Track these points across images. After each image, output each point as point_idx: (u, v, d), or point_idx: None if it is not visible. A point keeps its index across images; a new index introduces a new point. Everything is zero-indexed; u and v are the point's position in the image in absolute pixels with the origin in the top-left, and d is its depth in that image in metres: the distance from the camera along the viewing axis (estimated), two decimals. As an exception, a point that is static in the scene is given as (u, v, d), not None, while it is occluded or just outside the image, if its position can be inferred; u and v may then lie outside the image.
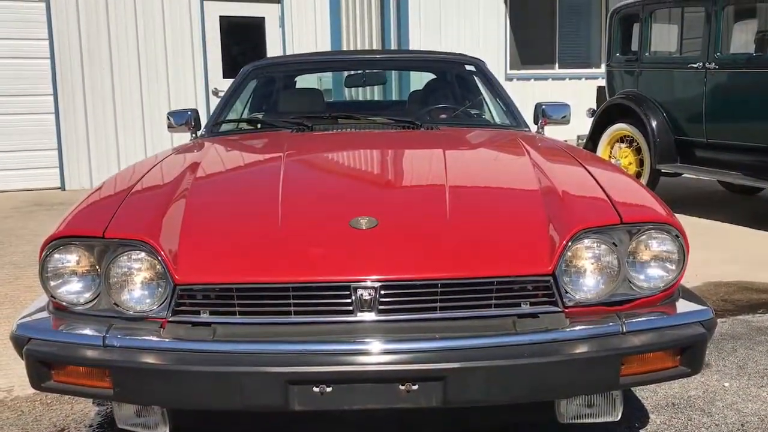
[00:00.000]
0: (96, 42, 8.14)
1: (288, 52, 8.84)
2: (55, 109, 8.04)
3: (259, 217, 2.03)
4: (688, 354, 1.87)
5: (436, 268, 1.82)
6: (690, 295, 2.06)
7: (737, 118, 5.74)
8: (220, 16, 8.73)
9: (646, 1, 6.56)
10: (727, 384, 2.77)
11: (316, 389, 1.71)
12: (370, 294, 1.79)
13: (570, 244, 1.87)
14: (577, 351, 1.76)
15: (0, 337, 3.26)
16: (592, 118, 7.06)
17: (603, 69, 7.53)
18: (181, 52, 8.51)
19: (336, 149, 2.90)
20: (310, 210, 2.08)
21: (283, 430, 2.04)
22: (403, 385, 1.71)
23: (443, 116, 3.54)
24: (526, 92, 10.03)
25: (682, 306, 1.98)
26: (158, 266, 1.86)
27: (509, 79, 10.26)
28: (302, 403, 1.72)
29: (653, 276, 1.94)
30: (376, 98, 8.83)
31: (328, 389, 1.71)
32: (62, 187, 8.13)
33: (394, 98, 8.56)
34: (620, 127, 6.69)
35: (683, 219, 4.42)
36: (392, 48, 9.45)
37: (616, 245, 1.90)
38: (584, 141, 7.11)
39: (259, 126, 3.54)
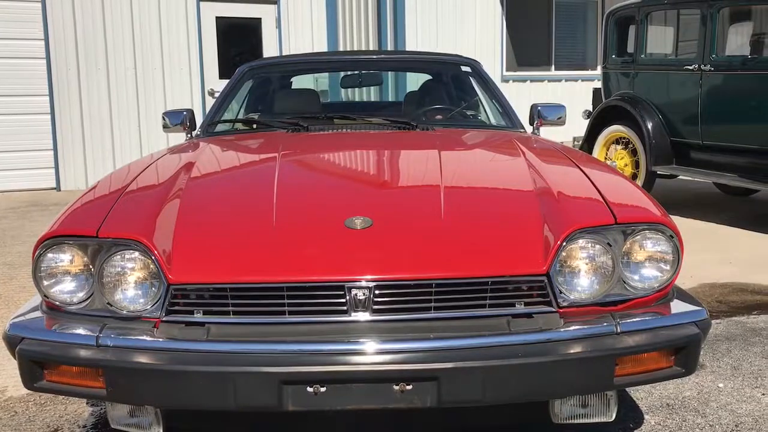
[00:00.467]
0: (92, 42, 8.12)
1: (284, 53, 8.83)
2: (51, 110, 8.02)
3: (254, 217, 2.03)
4: (682, 354, 1.87)
5: (430, 268, 1.82)
6: (684, 296, 2.06)
7: (732, 120, 5.76)
8: (217, 17, 8.72)
9: (642, 3, 6.57)
10: (721, 385, 2.77)
11: (310, 389, 1.71)
12: (364, 294, 1.79)
13: (564, 244, 1.87)
14: (572, 351, 1.76)
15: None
16: (588, 120, 7.07)
17: (599, 71, 7.54)
18: (177, 53, 8.50)
19: (331, 150, 2.90)
20: (304, 210, 2.08)
21: (278, 431, 2.03)
22: (397, 385, 1.71)
23: (439, 117, 3.54)
24: (522, 94, 10.05)
25: (677, 306, 1.98)
26: (152, 266, 1.85)
27: (505, 80, 10.28)
28: (296, 403, 1.72)
29: (648, 276, 1.94)
30: (372, 99, 8.83)
31: (323, 389, 1.71)
32: (57, 188, 8.11)
33: (390, 99, 8.56)
34: (616, 129, 6.70)
35: (678, 221, 4.43)
36: (388, 49, 9.45)
37: (610, 245, 1.90)
38: (580, 143, 7.12)
39: (254, 126, 3.53)
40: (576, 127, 7.36)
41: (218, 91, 4.80)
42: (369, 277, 1.79)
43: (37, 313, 1.97)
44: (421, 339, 1.75)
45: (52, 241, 1.91)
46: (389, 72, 7.69)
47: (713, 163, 5.94)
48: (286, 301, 1.80)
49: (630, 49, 6.84)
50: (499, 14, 10.44)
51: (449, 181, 2.25)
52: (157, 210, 2.03)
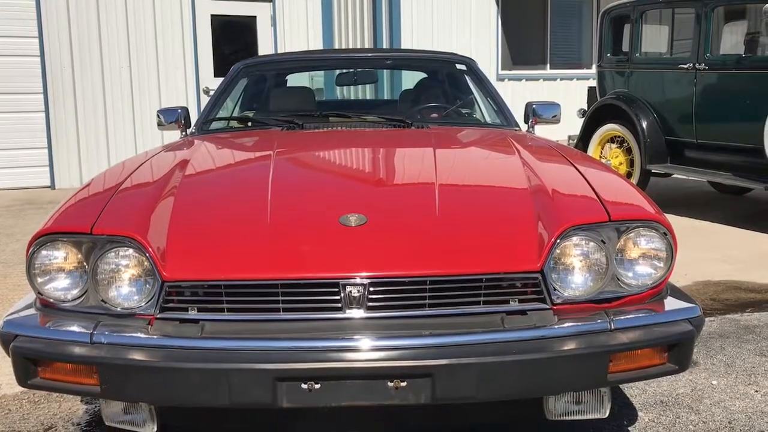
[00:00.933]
0: (86, 40, 8.10)
1: (279, 51, 8.82)
2: (45, 108, 7.99)
3: (248, 214, 2.03)
4: (676, 351, 1.88)
5: (425, 265, 1.82)
6: (678, 293, 2.07)
7: (727, 119, 5.78)
8: (212, 15, 8.70)
9: (637, 2, 6.58)
10: (715, 382, 2.78)
11: (304, 386, 1.71)
12: (359, 291, 1.79)
13: (558, 241, 1.87)
14: (566, 348, 1.77)
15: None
16: (583, 119, 7.09)
17: (594, 69, 7.55)
18: (172, 51, 8.48)
19: (326, 147, 2.90)
20: (299, 207, 2.08)
21: (272, 427, 2.03)
22: (391, 381, 1.71)
23: (434, 115, 3.54)
24: (518, 92, 10.07)
25: (670, 303, 1.99)
26: (146, 263, 1.85)
27: (501, 79, 10.28)
28: (291, 399, 1.72)
29: (641, 273, 1.95)
30: (367, 97, 8.82)
31: (317, 386, 1.71)
32: (52, 186, 8.09)
33: (385, 97, 8.55)
34: (611, 128, 6.72)
35: (673, 219, 4.44)
36: (384, 47, 9.45)
37: (604, 243, 1.91)
38: (575, 141, 7.13)
39: (249, 124, 3.53)
40: (571, 125, 7.37)
41: (213, 89, 4.80)
42: (363, 274, 1.79)
43: (31, 311, 1.96)
44: (415, 336, 1.75)
45: (46, 238, 1.90)
46: (384, 70, 7.69)
47: (707, 162, 5.96)
48: (280, 298, 1.80)
49: (625, 47, 6.85)
50: (495, 13, 10.45)
51: (444, 179, 2.25)
52: (151, 207, 2.03)
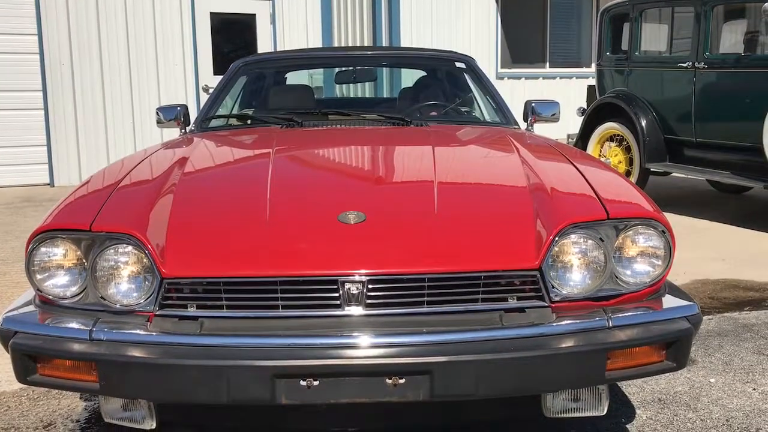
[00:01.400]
0: (85, 38, 8.09)
1: (279, 49, 8.82)
2: (44, 105, 7.99)
3: (247, 212, 2.03)
4: (673, 349, 1.88)
5: (423, 263, 1.82)
6: (676, 291, 2.07)
7: (726, 118, 5.78)
8: (211, 13, 8.70)
9: (636, 1, 6.59)
10: (712, 380, 2.79)
11: (303, 383, 1.71)
12: (357, 288, 1.79)
13: (557, 239, 1.88)
14: (564, 345, 1.77)
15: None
16: (582, 117, 7.09)
17: (593, 68, 7.56)
18: (171, 48, 8.47)
19: (325, 145, 2.90)
20: (298, 205, 2.08)
21: (270, 424, 2.04)
22: (390, 378, 1.71)
23: (433, 113, 3.55)
24: (517, 91, 10.07)
25: (668, 301, 1.99)
26: (145, 260, 1.85)
27: (500, 77, 10.29)
28: (289, 396, 1.72)
29: (639, 271, 1.95)
30: (366, 95, 8.83)
31: (315, 383, 1.71)
32: (51, 183, 8.09)
33: (384, 95, 8.56)
34: (610, 126, 6.72)
35: (672, 218, 4.45)
36: (383, 45, 9.45)
37: (602, 240, 1.91)
38: (574, 140, 7.14)
39: (248, 122, 3.53)
40: (570, 124, 7.39)
41: (212, 87, 4.80)
42: (362, 271, 1.79)
43: (31, 307, 1.96)
44: (414, 333, 1.76)
45: (45, 234, 1.91)
46: (384, 68, 7.69)
47: (706, 161, 5.96)
48: (279, 295, 1.80)
49: (624, 46, 6.86)
50: (494, 11, 10.45)
51: (443, 177, 2.26)
52: (150, 205, 2.03)
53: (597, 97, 7.08)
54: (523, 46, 10.79)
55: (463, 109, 3.75)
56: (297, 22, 9.15)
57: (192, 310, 1.82)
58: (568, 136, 7.51)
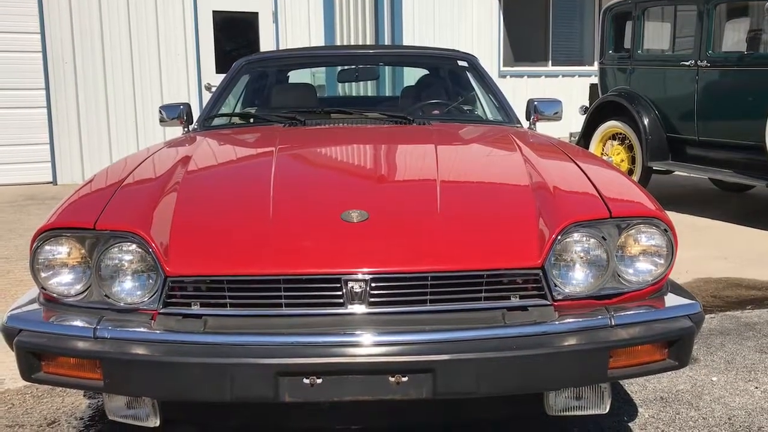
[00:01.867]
0: (88, 36, 8.10)
1: (281, 48, 8.82)
2: (47, 104, 8.00)
3: (250, 210, 2.03)
4: (676, 347, 1.89)
5: (426, 261, 1.83)
6: (678, 290, 2.08)
7: (728, 116, 5.78)
8: (213, 11, 8.70)
9: (639, -1, 6.58)
10: (715, 378, 2.79)
11: (306, 381, 1.72)
12: (360, 286, 1.80)
13: (559, 237, 1.88)
14: (566, 344, 1.77)
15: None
16: (585, 116, 7.09)
17: (596, 67, 7.55)
18: (174, 47, 8.48)
19: (328, 144, 2.90)
20: (301, 203, 2.08)
21: (273, 422, 2.04)
22: (393, 376, 1.72)
23: (435, 112, 3.55)
24: (519, 89, 10.06)
25: (671, 300, 1.99)
26: (149, 258, 1.86)
27: (502, 76, 10.29)
28: (292, 394, 1.73)
29: (642, 270, 1.96)
30: (369, 94, 8.82)
31: (318, 381, 1.72)
32: (54, 182, 8.10)
33: (387, 94, 8.56)
34: (612, 125, 6.72)
35: (674, 216, 4.45)
36: (386, 44, 9.45)
37: (605, 239, 1.92)
38: (577, 138, 7.13)
39: (251, 120, 3.54)
40: (573, 122, 7.38)
41: (215, 86, 4.80)
42: (365, 269, 1.80)
43: (35, 305, 1.97)
44: (416, 331, 1.76)
45: (49, 233, 1.91)
46: (386, 66, 7.68)
47: (709, 159, 5.96)
48: (282, 293, 1.81)
49: (627, 44, 6.85)
50: (497, 9, 10.44)
51: (445, 176, 2.26)
52: (154, 203, 2.03)
53: (599, 95, 7.07)
54: (525, 44, 10.78)
55: (465, 108, 3.76)
56: (299, 21, 9.15)
57: (196, 308, 1.83)
58: (571, 134, 7.51)
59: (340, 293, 1.80)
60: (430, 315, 1.82)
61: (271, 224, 1.94)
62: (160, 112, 3.64)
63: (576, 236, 1.91)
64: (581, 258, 1.91)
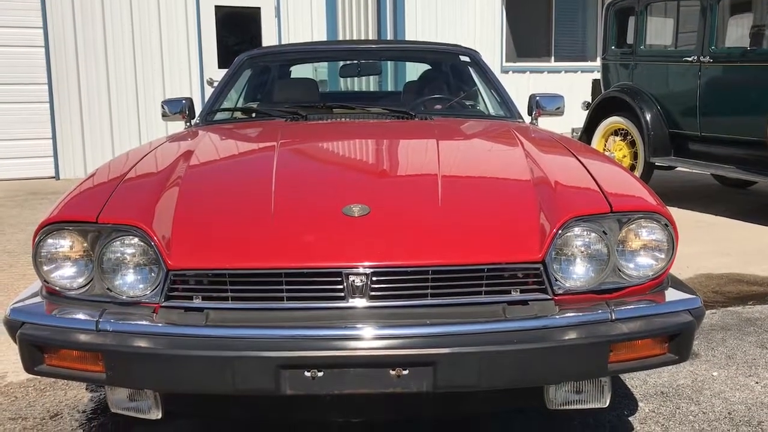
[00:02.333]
0: (91, 31, 8.11)
1: (283, 43, 8.81)
2: (50, 99, 8.01)
3: (252, 204, 2.04)
4: (676, 341, 1.89)
5: (427, 255, 1.83)
6: (679, 284, 2.08)
7: (731, 112, 5.77)
8: (216, 6, 8.70)
9: (642, -5, 6.57)
10: (715, 373, 2.80)
11: (307, 374, 1.72)
12: (362, 280, 1.80)
13: (560, 232, 1.88)
14: (566, 338, 1.78)
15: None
16: (587, 111, 7.08)
17: (598, 62, 7.54)
18: (176, 42, 8.48)
19: (330, 138, 2.91)
20: (302, 197, 2.09)
21: (275, 415, 2.05)
22: (393, 370, 1.72)
23: (437, 107, 3.55)
24: (522, 85, 10.05)
25: (671, 294, 2.00)
26: (151, 252, 1.87)
27: (505, 71, 10.28)
28: (293, 387, 1.74)
29: (642, 264, 1.96)
30: (371, 89, 8.82)
31: (320, 374, 1.73)
32: (56, 177, 8.11)
33: (389, 89, 8.55)
34: (615, 120, 6.71)
35: (676, 212, 4.45)
36: (388, 39, 9.44)
37: (606, 234, 1.92)
38: (579, 134, 7.13)
39: (253, 115, 3.54)
40: (575, 118, 7.37)
41: (217, 81, 4.81)
42: (366, 263, 1.80)
43: (38, 299, 1.98)
44: (417, 325, 1.77)
45: (52, 226, 1.92)
46: (388, 62, 7.68)
47: (711, 155, 5.95)
48: (284, 287, 1.81)
49: (629, 40, 6.84)
50: (499, 4, 10.42)
51: (447, 170, 2.26)
52: (156, 197, 2.04)
53: (602, 91, 7.06)
54: (528, 39, 10.77)
55: (467, 103, 3.76)
56: (302, 16, 9.15)
57: (197, 302, 1.84)
58: (573, 130, 7.50)
59: (341, 287, 1.81)
60: (431, 309, 1.82)
61: (272, 218, 1.94)
62: (163, 106, 3.65)
63: (577, 230, 1.91)
64: (582, 252, 1.91)
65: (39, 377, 2.63)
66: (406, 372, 1.73)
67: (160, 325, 1.80)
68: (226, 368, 1.72)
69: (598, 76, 7.42)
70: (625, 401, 2.54)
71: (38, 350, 1.85)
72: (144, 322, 1.82)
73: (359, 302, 1.81)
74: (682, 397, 2.58)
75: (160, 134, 7.06)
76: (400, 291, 1.82)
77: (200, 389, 1.77)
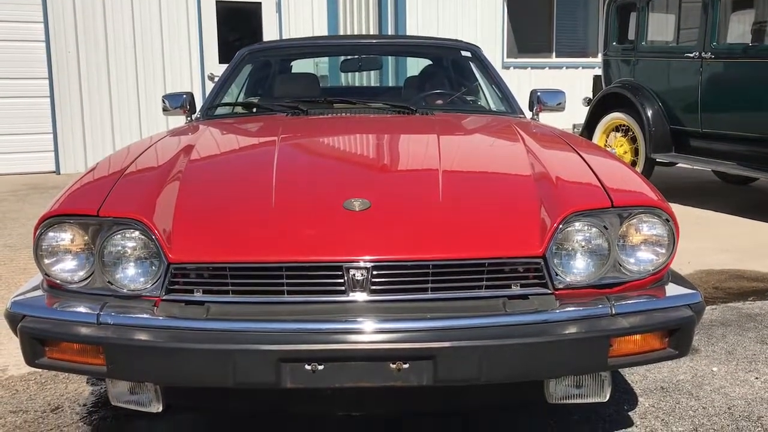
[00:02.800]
0: (91, 25, 8.10)
1: (284, 37, 8.80)
2: (50, 93, 8.01)
3: (253, 198, 2.04)
4: (676, 336, 1.89)
5: (427, 249, 1.84)
6: (679, 279, 2.08)
7: (732, 108, 5.76)
8: (217, 1, 8.69)
9: (644, -10, 6.55)
10: (715, 369, 2.80)
11: (308, 367, 1.73)
12: (362, 274, 1.80)
13: (561, 226, 1.89)
14: (567, 332, 1.78)
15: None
16: (588, 107, 7.08)
17: (600, 58, 7.53)
18: (177, 37, 8.48)
19: (330, 133, 2.91)
20: (303, 191, 2.09)
21: (275, 408, 2.06)
22: (394, 363, 1.73)
23: (438, 102, 3.55)
24: (523, 81, 10.04)
25: (671, 289, 2.00)
26: (152, 245, 1.87)
27: (506, 67, 10.26)
28: (294, 380, 1.74)
29: (643, 259, 1.96)
30: (372, 84, 8.81)
31: (320, 367, 1.73)
32: (57, 171, 8.12)
33: (390, 84, 8.55)
34: (616, 116, 6.71)
35: (677, 208, 4.45)
36: (389, 34, 9.43)
37: (606, 228, 1.92)
38: (580, 130, 7.12)
39: (254, 110, 3.54)
40: (576, 114, 7.37)
41: (218, 75, 4.80)
42: (367, 257, 1.81)
43: (39, 292, 1.98)
44: (417, 319, 1.77)
45: (53, 219, 1.92)
46: (389, 57, 7.68)
47: (712, 151, 5.95)
48: (284, 280, 1.82)
49: (631, 36, 6.83)
50: (501, 0, 10.40)
51: (447, 165, 2.26)
52: (157, 190, 2.04)
53: (603, 87, 7.06)
54: (529, 35, 10.74)
55: (468, 98, 3.75)
56: (302, 11, 9.13)
57: (198, 295, 1.84)
58: (574, 126, 7.50)
59: (341, 281, 1.81)
60: (432, 303, 1.82)
61: (273, 212, 1.94)
62: (163, 101, 3.65)
63: (577, 225, 1.91)
64: (582, 247, 1.91)
65: (40, 370, 2.64)
66: (406, 366, 1.73)
67: (160, 318, 1.80)
68: (227, 361, 1.72)
69: (599, 72, 7.41)
70: (625, 396, 2.54)
71: (39, 343, 1.85)
72: (145, 316, 1.82)
73: (360, 296, 1.81)
74: (682, 392, 2.58)
75: (161, 129, 7.06)
76: (401, 285, 1.82)
77: (201, 382, 1.77)
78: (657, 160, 6.37)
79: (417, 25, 9.63)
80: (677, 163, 6.68)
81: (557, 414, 2.37)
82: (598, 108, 6.91)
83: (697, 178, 7.49)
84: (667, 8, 6.67)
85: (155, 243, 1.86)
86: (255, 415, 2.36)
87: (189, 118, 3.56)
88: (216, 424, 2.36)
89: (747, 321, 3.34)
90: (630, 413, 2.42)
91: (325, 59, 7.81)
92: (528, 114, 3.57)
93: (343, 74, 8.00)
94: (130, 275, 1.89)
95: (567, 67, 10.83)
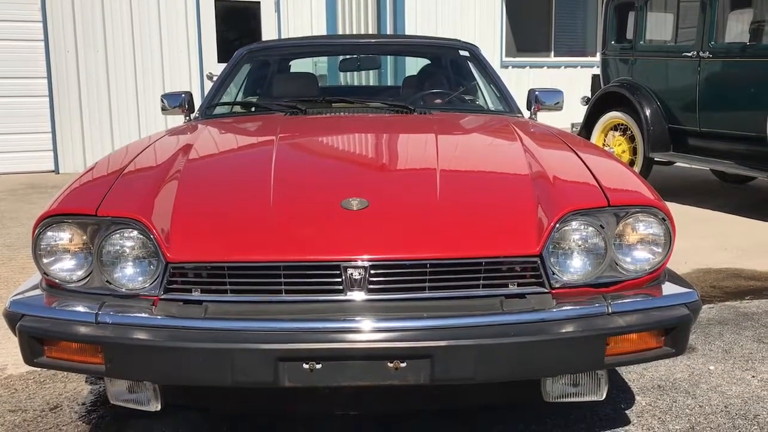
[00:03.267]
0: (90, 24, 8.09)
1: (283, 37, 8.80)
2: (49, 92, 8.00)
3: (251, 197, 2.05)
4: (672, 335, 1.90)
5: (425, 249, 1.84)
6: (676, 278, 2.09)
7: (730, 108, 5.77)
8: (215, 0, 8.69)
9: (642, -10, 6.56)
10: (712, 367, 2.81)
11: (305, 366, 1.73)
12: (360, 273, 1.81)
13: (558, 226, 1.89)
14: (563, 331, 1.79)
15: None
16: (587, 106, 7.08)
17: (598, 57, 7.53)
18: (176, 36, 8.47)
19: (329, 132, 2.91)
20: (301, 191, 2.10)
21: (273, 407, 2.07)
22: (391, 362, 1.74)
23: (437, 101, 3.56)
24: (522, 80, 10.04)
25: (668, 288, 2.01)
26: (150, 244, 1.87)
27: (505, 66, 10.26)
28: (292, 379, 1.75)
29: (640, 258, 1.97)
30: (370, 83, 8.81)
31: (318, 366, 1.74)
32: (56, 171, 8.11)
33: (388, 83, 8.55)
34: (614, 116, 6.71)
35: (675, 207, 4.46)
36: (388, 33, 9.43)
37: (603, 227, 1.93)
38: (578, 129, 7.13)
39: (252, 109, 3.54)
40: (575, 113, 7.37)
41: (216, 75, 4.81)
42: (365, 257, 1.81)
43: (37, 291, 1.99)
44: (415, 318, 1.78)
45: (51, 219, 1.93)
46: (388, 56, 7.68)
47: (711, 150, 5.96)
48: (282, 280, 1.82)
49: (629, 35, 6.84)
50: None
51: (445, 164, 2.27)
52: (155, 190, 2.05)
53: (601, 86, 7.06)
54: (528, 34, 10.75)
55: (466, 98, 3.76)
56: (301, 10, 9.13)
57: (196, 295, 1.85)
58: (572, 125, 7.51)
59: (339, 280, 1.82)
60: (429, 302, 1.83)
61: (271, 212, 1.95)
62: (162, 100, 3.65)
63: (574, 224, 1.92)
64: (579, 246, 1.92)
65: (39, 369, 2.64)
66: (403, 364, 1.74)
67: (159, 317, 1.81)
68: (225, 360, 1.73)
69: (597, 71, 7.42)
70: (621, 394, 2.55)
71: (38, 342, 1.86)
72: (143, 315, 1.82)
73: (357, 295, 1.82)
74: (679, 390, 2.59)
75: (160, 128, 7.06)
76: (398, 284, 1.83)
77: (199, 381, 1.78)
78: (655, 159, 6.38)
79: (415, 25, 9.63)
80: (675, 162, 6.69)
81: (554, 412, 2.38)
82: (596, 107, 6.92)
83: (694, 177, 7.50)
84: (666, 7, 6.68)
85: (153, 242, 1.86)
86: (253, 414, 2.37)
87: (187, 118, 3.57)
88: (214, 423, 2.36)
89: (744, 320, 3.35)
90: (627, 412, 2.43)
91: (324, 59, 7.81)
92: (526, 113, 3.58)
93: (341, 74, 8.00)
94: (129, 274, 1.89)
95: (565, 67, 10.84)
